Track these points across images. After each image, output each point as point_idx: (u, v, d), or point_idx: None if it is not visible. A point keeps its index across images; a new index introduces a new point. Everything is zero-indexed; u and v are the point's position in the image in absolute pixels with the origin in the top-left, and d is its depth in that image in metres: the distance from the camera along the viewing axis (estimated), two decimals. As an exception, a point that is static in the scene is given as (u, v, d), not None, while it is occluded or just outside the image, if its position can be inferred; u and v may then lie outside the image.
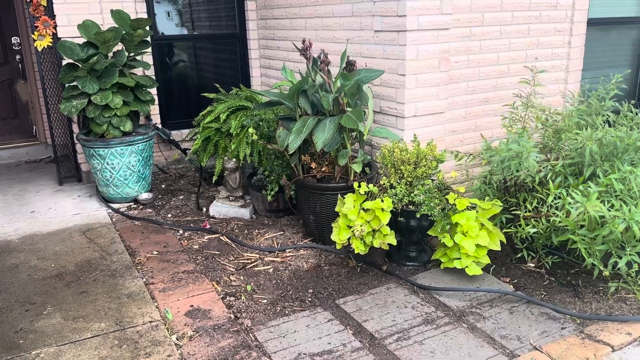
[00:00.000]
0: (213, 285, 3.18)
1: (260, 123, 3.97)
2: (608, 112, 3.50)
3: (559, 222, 2.73)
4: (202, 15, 5.50)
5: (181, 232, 3.97)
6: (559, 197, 2.89)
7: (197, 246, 3.72)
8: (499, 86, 4.00)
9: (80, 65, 4.17)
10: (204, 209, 4.33)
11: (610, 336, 2.57)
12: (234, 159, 4.06)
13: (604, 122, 3.41)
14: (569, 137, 3.23)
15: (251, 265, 3.44)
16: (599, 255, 2.65)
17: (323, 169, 3.53)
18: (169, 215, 4.28)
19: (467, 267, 3.09)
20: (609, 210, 2.55)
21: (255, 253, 3.60)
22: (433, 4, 3.52)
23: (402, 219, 3.23)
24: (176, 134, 5.36)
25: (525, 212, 3.07)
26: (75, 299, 3.05)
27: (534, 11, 3.99)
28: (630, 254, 2.54)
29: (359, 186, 3.25)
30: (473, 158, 3.48)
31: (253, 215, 4.19)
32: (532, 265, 3.35)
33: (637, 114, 3.34)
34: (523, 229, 3.03)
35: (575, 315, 2.77)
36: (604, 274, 2.75)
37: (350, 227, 3.18)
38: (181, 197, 4.68)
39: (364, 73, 3.38)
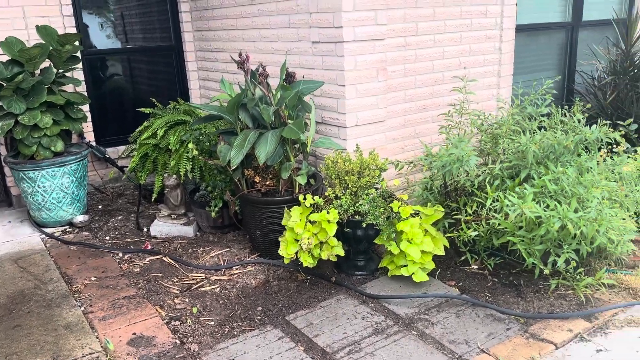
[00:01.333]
0: (156, 310, 3.05)
1: (201, 138, 3.88)
2: (542, 117, 3.66)
3: (499, 224, 2.80)
4: (135, 27, 5.33)
5: (121, 255, 3.80)
6: (497, 200, 2.98)
7: (139, 269, 3.57)
8: (436, 93, 4.10)
9: (4, 85, 3.93)
10: (145, 229, 4.17)
11: (553, 334, 2.66)
12: (175, 176, 3.94)
13: (538, 127, 3.55)
14: (507, 141, 3.35)
15: (197, 285, 3.34)
16: (538, 255, 2.74)
17: (267, 183, 3.48)
18: (107, 238, 4.10)
19: (413, 273, 3.12)
20: (545, 211, 2.64)
21: (201, 272, 3.50)
22: (368, 15, 3.55)
23: (348, 229, 3.23)
24: (112, 152, 5.15)
25: (466, 216, 3.14)
26: (7, 335, 2.85)
27: (465, 19, 4.12)
28: (567, 252, 2.65)
29: (305, 198, 3.22)
30: (414, 166, 3.53)
31: (197, 233, 4.08)
32: (476, 267, 3.43)
33: (571, 117, 3.49)
34: (465, 232, 3.10)
35: (519, 315, 2.85)
36: (544, 273, 2.85)
37: (298, 241, 3.15)
38: (120, 217, 4.49)
39: (304, 85, 3.37)
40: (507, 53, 4.45)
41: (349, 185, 3.26)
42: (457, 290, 3.19)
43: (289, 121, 3.26)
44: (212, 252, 3.77)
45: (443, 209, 3.26)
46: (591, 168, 2.95)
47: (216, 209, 3.78)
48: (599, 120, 4.56)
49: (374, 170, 3.31)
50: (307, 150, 3.46)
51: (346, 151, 3.63)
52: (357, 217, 3.19)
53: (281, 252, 3.16)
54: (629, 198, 2.95)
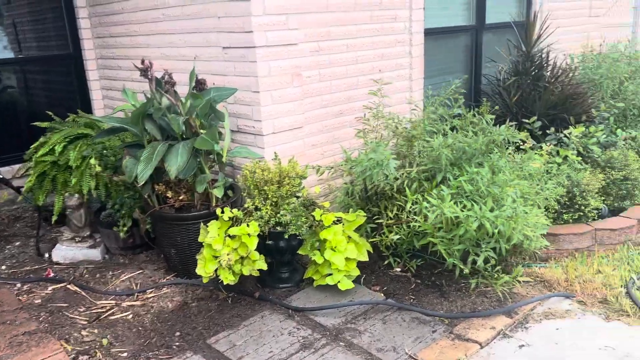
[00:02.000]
0: (62, 345, 2.75)
1: (105, 152, 3.58)
2: (453, 118, 3.73)
3: (419, 227, 2.80)
4: (28, 36, 4.88)
5: (19, 285, 3.41)
6: (417, 203, 2.98)
7: (40, 300, 3.22)
8: (352, 98, 4.07)
9: None
10: (47, 255, 3.78)
11: (477, 333, 2.69)
12: (77, 195, 3.61)
13: (450, 128, 3.62)
14: (422, 143, 3.37)
15: (106, 314, 3.06)
16: (457, 255, 2.76)
17: (181, 198, 3.27)
18: (3, 267, 3.68)
19: (339, 282, 3.05)
20: (462, 211, 2.67)
21: (111, 299, 3.22)
22: (279, 19, 3.45)
23: (270, 241, 3.10)
24: (7, 171, 4.65)
25: (387, 220, 3.12)
26: None
27: (376, 24, 4.13)
28: (486, 250, 2.69)
29: (223, 212, 3.05)
30: (334, 171, 3.47)
31: (106, 256, 3.76)
32: (399, 270, 3.42)
33: (481, 118, 3.57)
34: (387, 236, 3.07)
35: (444, 316, 2.86)
36: (464, 272, 2.88)
37: (217, 257, 2.97)
38: (17, 243, 4.06)
39: (215, 92, 3.20)
40: (417, 57, 4.53)
41: (269, 196, 3.13)
42: (382, 295, 3.16)
43: (202, 131, 3.08)
44: (123, 275, 3.49)
45: (365, 214, 3.22)
46: (504, 167, 3.03)
47: (125, 228, 3.50)
48: (507, 120, 4.77)
49: (294, 179, 3.20)
50: (223, 161, 3.29)
51: (265, 160, 3.50)
52: (278, 228, 3.07)
53: (199, 270, 2.97)
54: (539, 195, 3.06)
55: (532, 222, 2.62)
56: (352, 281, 3.16)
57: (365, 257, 3.14)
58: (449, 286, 3.18)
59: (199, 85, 3.19)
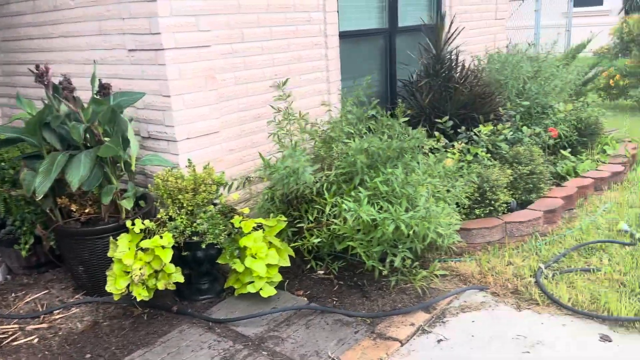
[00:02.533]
0: (-48, 381, 2.48)
1: (2, 165, 3.30)
2: (369, 120, 3.77)
3: (338, 230, 2.79)
4: None
5: None
6: (336, 205, 2.97)
7: None
8: (269, 101, 4.02)
9: None
10: (-64, 281, 3.43)
11: (398, 330, 2.72)
12: (-30, 213, 3.29)
13: (367, 129, 3.66)
14: (340, 145, 3.37)
15: (8, 339, 2.80)
16: (376, 256, 2.78)
17: (87, 211, 3.07)
18: None
19: (261, 289, 2.99)
20: (379, 213, 2.69)
21: (14, 323, 2.96)
22: (188, 20, 3.34)
23: (187, 252, 2.98)
24: None
25: (308, 223, 3.10)
26: None
27: (290, 26, 4.10)
28: (402, 251, 2.73)
29: (133, 224, 2.89)
30: (249, 182, 3.40)
31: (7, 276, 3.46)
32: (322, 272, 3.41)
33: (395, 121, 3.63)
34: (308, 240, 3.05)
35: (365, 316, 2.88)
36: (383, 273, 2.91)
37: (129, 273, 2.81)
38: None
39: (121, 97, 3.04)
40: (333, 59, 4.55)
41: (184, 204, 3.01)
42: (306, 299, 3.13)
43: (106, 139, 2.90)
44: (27, 297, 3.22)
45: (285, 219, 3.18)
46: (418, 166, 3.10)
47: (27, 246, 3.24)
48: (420, 120, 4.91)
49: (210, 186, 3.10)
50: (132, 170, 3.12)
51: (179, 167, 3.36)
52: (195, 238, 2.95)
53: (109, 288, 2.79)
54: (450, 193, 3.14)
55: (444, 220, 2.69)
56: (275, 287, 3.10)
57: (287, 263, 3.09)
58: (371, 285, 3.21)
59: (103, 90, 3.01)
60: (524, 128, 4.61)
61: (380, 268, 2.82)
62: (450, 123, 4.67)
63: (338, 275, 3.35)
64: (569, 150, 5.34)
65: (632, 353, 2.52)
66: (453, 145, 4.28)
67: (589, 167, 4.90)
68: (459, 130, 4.58)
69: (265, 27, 3.91)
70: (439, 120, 4.66)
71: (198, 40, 3.42)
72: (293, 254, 3.19)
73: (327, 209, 2.91)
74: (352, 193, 2.95)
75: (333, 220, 2.85)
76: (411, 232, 2.61)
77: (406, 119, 3.75)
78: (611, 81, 8.82)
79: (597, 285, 3.05)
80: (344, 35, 4.81)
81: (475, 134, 4.35)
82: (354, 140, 3.22)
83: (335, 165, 3.26)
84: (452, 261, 3.45)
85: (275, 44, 4.00)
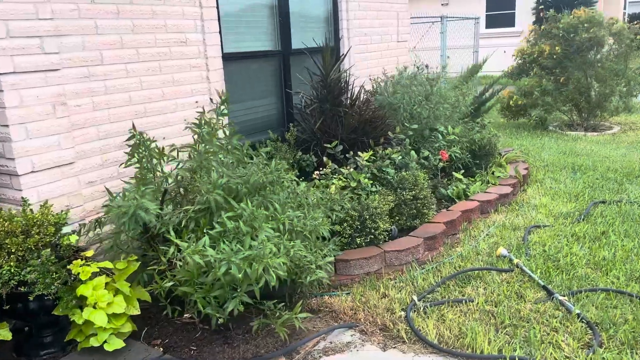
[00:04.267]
0: None
1: None
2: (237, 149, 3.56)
3: (178, 272, 2.54)
4: None
5: None
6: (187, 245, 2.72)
7: None
8: (140, 127, 3.72)
9: None
10: None
11: (249, 384, 2.49)
12: None
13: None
14: (204, 178, 3.13)
15: None
16: (214, 303, 2.54)
17: None
18: None
19: (106, 342, 2.67)
20: (223, 253, 2.46)
21: None
22: (31, 42, 3.01)
23: (15, 304, 2.61)
24: None
25: (160, 265, 2.82)
26: None
27: (162, 47, 3.85)
28: (240, 295, 2.50)
29: (-49, 274, 2.50)
30: (99, 225, 3.08)
31: None
32: (188, 316, 3.13)
33: (256, 153, 3.43)
34: (158, 284, 2.77)
35: (221, 367, 2.63)
36: (219, 322, 2.67)
37: (-61, 332, 2.41)
38: None
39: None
40: (217, 82, 4.33)
41: (13, 250, 2.64)
42: (162, 349, 2.84)
43: None
44: None
45: (138, 259, 2.88)
46: (279, 199, 2.90)
47: None
48: (311, 145, 4.77)
49: (47, 227, 2.75)
50: (-44, 211, 2.72)
51: (28, 203, 2.98)
52: (23, 288, 2.60)
53: None
54: (308, 225, 2.90)
55: (278, 260, 2.46)
56: (129, 337, 2.80)
57: (136, 311, 2.79)
58: (237, 329, 2.96)
59: None
60: (412, 152, 4.57)
61: (217, 315, 2.58)
62: (340, 148, 4.56)
63: (204, 319, 3.08)
64: (463, 172, 5.39)
65: (493, 392, 2.43)
66: (341, 172, 4.15)
67: (479, 189, 4.94)
68: (347, 155, 4.48)
69: (131, 49, 3.63)
70: (328, 145, 4.54)
71: (44, 64, 3.10)
72: (149, 299, 2.90)
73: (171, 250, 2.66)
74: (207, 231, 2.71)
75: (178, 262, 2.60)
76: (240, 275, 2.38)
77: (268, 150, 3.57)
78: (511, 101, 9.18)
79: (468, 317, 2.97)
80: (230, 58, 4.61)
81: (359, 160, 4.25)
82: (213, 173, 2.99)
83: (198, 200, 3.01)
84: (327, 296, 3.27)
85: (143, 66, 3.73)
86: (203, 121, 3.29)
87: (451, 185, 4.98)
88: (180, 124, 4.01)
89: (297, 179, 4.09)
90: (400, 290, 3.29)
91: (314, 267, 2.80)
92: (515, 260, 3.58)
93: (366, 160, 4.15)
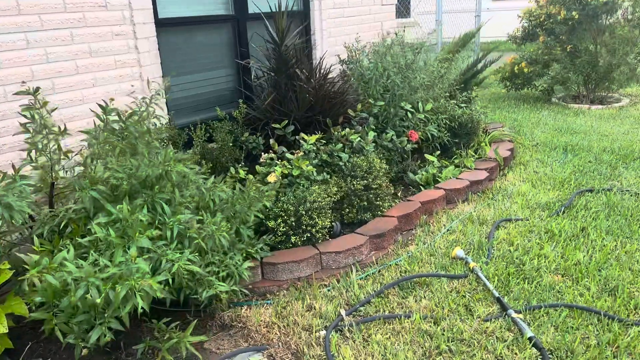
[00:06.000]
0: None
1: None
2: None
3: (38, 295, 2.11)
4: None
5: None
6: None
7: None
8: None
9: None
10: None
11: None
12: None
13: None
14: (99, 169, 2.66)
15: None
16: (77, 330, 2.12)
17: None
18: None
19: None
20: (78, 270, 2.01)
21: None
22: None
23: None
24: None
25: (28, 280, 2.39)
26: None
27: (74, 13, 3.33)
28: (107, 322, 2.07)
29: None
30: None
31: None
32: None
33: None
34: (29, 298, 2.35)
35: (90, 401, 2.23)
36: (83, 353, 2.25)
37: None
38: None
39: None
40: (147, 52, 3.82)
41: None
42: (38, 371, 2.45)
43: None
44: None
45: (12, 268, 2.46)
46: (175, 197, 2.44)
47: None
48: (259, 126, 4.26)
49: None
50: None
51: None
52: None
53: None
54: (203, 232, 2.42)
55: (147, 283, 2.03)
56: (5, 354, 2.41)
57: (4, 328, 2.39)
58: (129, 348, 2.55)
59: None
60: (371, 133, 4.05)
61: (82, 345, 2.16)
62: (292, 128, 4.05)
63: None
64: (439, 153, 4.86)
65: None
66: (287, 157, 3.66)
67: (452, 174, 4.41)
68: (298, 137, 3.97)
69: (33, 15, 3.13)
70: (277, 126, 4.03)
71: None
72: (25, 313, 2.49)
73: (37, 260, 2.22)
74: (77, 239, 2.27)
75: (35, 279, 2.16)
76: (99, 301, 1.94)
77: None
78: (516, 68, 8.45)
79: (398, 339, 2.52)
80: (168, 23, 4.07)
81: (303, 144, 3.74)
82: (99, 166, 2.52)
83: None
84: (247, 305, 2.84)
85: (49, 34, 3.23)
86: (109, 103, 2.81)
87: (422, 169, 4.46)
88: (101, 101, 3.53)
89: (238, 165, 3.62)
90: (330, 301, 2.84)
91: (214, 279, 2.35)
92: (472, 264, 3.10)
93: (313, 144, 3.64)
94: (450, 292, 2.90)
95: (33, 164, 2.84)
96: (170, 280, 2.19)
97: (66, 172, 3.18)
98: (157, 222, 2.32)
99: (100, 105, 3.04)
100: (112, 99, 3.25)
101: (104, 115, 2.98)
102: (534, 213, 3.85)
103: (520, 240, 3.43)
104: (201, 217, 2.44)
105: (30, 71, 3.18)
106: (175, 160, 2.62)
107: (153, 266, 2.17)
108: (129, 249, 2.12)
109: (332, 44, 5.49)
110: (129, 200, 2.42)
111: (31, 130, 2.83)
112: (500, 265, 3.13)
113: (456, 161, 4.79)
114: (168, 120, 3.96)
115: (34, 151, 2.86)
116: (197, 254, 2.34)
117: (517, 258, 3.21)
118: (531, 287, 2.91)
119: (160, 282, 2.08)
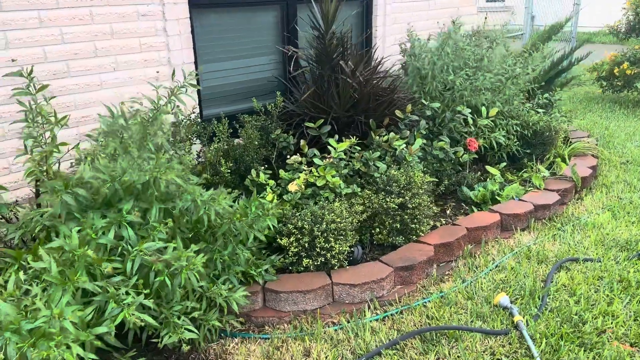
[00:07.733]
0: None
1: None
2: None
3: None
4: None
5: None
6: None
7: None
8: (56, 91, 3.03)
9: None
10: None
11: None
12: None
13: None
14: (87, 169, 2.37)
15: None
16: None
17: None
18: None
19: None
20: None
21: None
22: None
23: None
24: None
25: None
26: None
27: (93, -10, 3.07)
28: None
29: None
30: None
31: None
32: None
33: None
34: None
35: None
36: None
37: None
38: None
39: None
40: (178, 35, 3.50)
41: None
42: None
43: None
44: None
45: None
46: (155, 213, 2.08)
47: None
48: (295, 122, 3.83)
49: None
50: None
51: None
52: None
53: None
54: (176, 264, 2.00)
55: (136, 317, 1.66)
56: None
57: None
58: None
59: None
60: (418, 140, 3.49)
61: None
62: (328, 128, 3.59)
63: None
64: (504, 165, 4.21)
65: None
66: (316, 163, 3.23)
67: (515, 193, 3.77)
68: (342, 138, 3.51)
69: (47, -8, 2.89)
70: (311, 125, 3.59)
71: None
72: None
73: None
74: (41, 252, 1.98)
75: None
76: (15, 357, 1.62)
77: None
78: (616, 69, 7.38)
79: (404, 412, 2.04)
80: (204, 4, 3.73)
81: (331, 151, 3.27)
82: (86, 165, 2.22)
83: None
84: (241, 337, 2.47)
85: (63, 13, 2.99)
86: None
87: (481, 184, 3.85)
88: (127, 87, 3.28)
89: (261, 168, 3.24)
90: (334, 347, 2.40)
91: (181, 321, 1.99)
92: (516, 317, 2.52)
93: (342, 151, 3.17)
94: (484, 352, 2.36)
95: (28, 156, 2.62)
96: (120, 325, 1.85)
97: (68, 166, 2.96)
98: (120, 248, 1.98)
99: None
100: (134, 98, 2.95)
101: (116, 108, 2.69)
102: (608, 253, 3.16)
103: (585, 289, 2.79)
104: (175, 245, 2.07)
105: (42, 52, 2.96)
106: (169, 167, 2.26)
107: (100, 309, 1.84)
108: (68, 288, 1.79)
109: (394, 32, 4.92)
110: (108, 209, 2.11)
111: (29, 119, 2.60)
112: (553, 322, 2.53)
113: (525, 175, 4.13)
114: (197, 113, 3.64)
115: (30, 141, 2.63)
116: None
117: (576, 314, 2.59)
118: (588, 358, 2.30)
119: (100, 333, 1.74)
